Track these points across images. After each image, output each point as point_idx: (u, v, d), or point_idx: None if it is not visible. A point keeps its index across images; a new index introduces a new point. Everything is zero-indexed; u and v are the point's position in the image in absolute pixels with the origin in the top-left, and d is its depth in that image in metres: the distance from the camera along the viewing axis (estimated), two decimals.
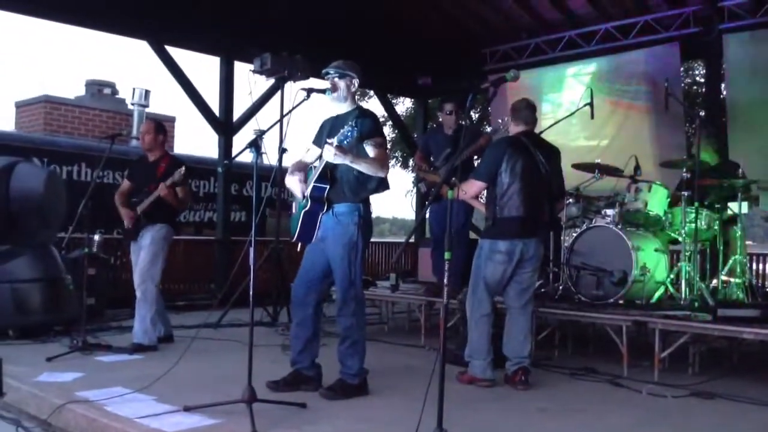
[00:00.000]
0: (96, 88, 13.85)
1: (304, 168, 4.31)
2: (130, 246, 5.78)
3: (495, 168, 4.53)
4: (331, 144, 3.87)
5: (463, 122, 5.95)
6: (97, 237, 7.56)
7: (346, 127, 3.90)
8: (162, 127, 5.95)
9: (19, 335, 5.66)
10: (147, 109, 13.72)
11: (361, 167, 4.01)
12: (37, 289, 1.72)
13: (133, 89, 13.62)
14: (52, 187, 1.73)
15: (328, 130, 4.24)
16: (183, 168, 5.46)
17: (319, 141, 4.23)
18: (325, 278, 4.24)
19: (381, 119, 4.71)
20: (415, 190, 6.65)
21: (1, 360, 1.87)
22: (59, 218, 1.95)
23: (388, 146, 16.97)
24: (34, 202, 1.69)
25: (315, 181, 4.09)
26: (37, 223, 1.75)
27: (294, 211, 4.31)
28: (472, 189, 4.73)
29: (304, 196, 4.18)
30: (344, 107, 4.26)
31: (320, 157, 4.12)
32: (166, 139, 5.93)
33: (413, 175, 6.87)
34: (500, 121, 5.85)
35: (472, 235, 7.40)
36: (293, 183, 4.24)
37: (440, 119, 6.55)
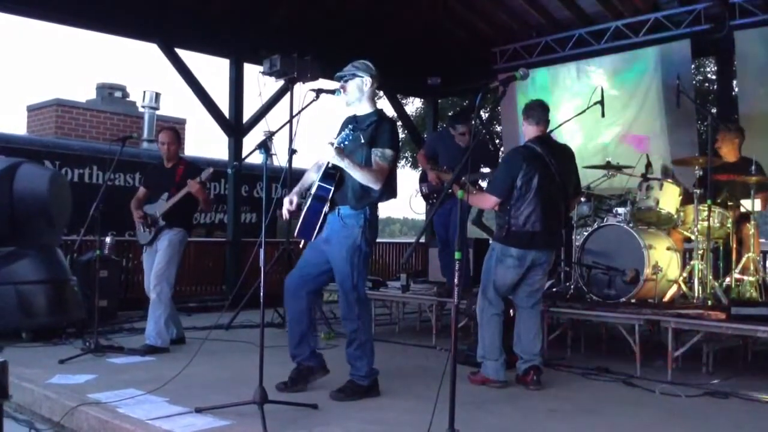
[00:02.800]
0: (107, 91, 13.93)
1: (306, 189, 4.30)
2: (143, 249, 5.82)
3: (510, 183, 4.46)
4: (331, 144, 3.86)
5: (474, 122, 5.92)
6: (108, 239, 7.60)
7: (346, 129, 3.88)
8: (179, 134, 6.06)
9: (32, 337, 5.70)
10: (157, 112, 13.79)
11: (355, 174, 3.96)
12: (42, 291, 1.72)
13: (144, 92, 13.71)
14: (56, 188, 1.73)
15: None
16: (211, 168, 5.54)
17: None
18: (320, 276, 4.24)
19: (398, 127, 4.67)
20: (417, 192, 6.60)
21: (6, 363, 1.86)
22: (64, 219, 1.95)
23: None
24: (38, 203, 1.69)
25: (320, 180, 4.07)
26: (41, 225, 1.75)
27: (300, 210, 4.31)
28: (486, 203, 4.70)
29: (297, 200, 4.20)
30: (363, 108, 4.21)
31: None
32: (180, 145, 6.00)
33: (420, 173, 6.80)
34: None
35: (480, 234, 7.38)
36: (285, 203, 4.22)
37: (452, 134, 6.46)
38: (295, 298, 4.24)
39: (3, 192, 1.62)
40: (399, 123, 15.07)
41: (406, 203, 6.71)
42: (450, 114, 8.63)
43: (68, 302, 1.96)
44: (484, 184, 6.22)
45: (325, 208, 4.08)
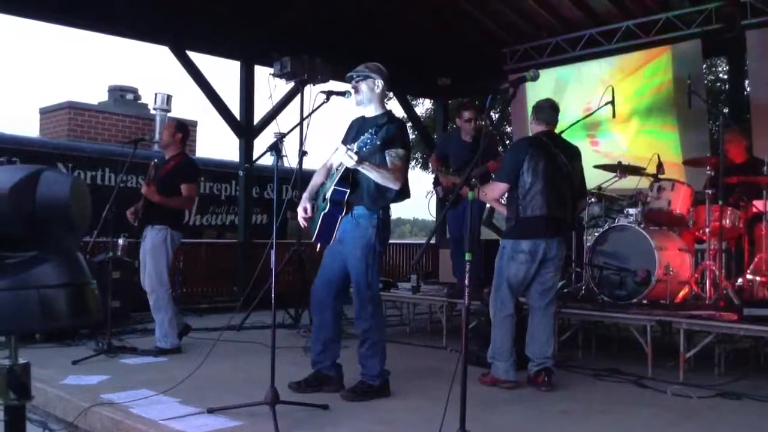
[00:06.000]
0: (119, 93, 14.00)
1: (314, 193, 4.32)
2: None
3: (517, 169, 4.51)
4: (350, 149, 3.87)
5: (483, 122, 5.93)
6: (121, 241, 7.64)
7: (366, 134, 3.90)
8: (183, 126, 5.92)
9: (46, 338, 5.75)
10: (169, 114, 13.85)
11: (373, 176, 4.00)
12: (64, 295, 1.76)
13: (156, 94, 13.76)
14: (77, 194, 1.77)
15: (355, 131, 4.25)
16: (153, 162, 5.50)
17: (346, 140, 4.25)
18: (345, 280, 4.26)
19: (407, 127, 4.69)
20: (432, 193, 6.66)
21: (29, 365, 1.90)
22: (85, 224, 1.99)
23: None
24: (60, 209, 1.73)
25: (336, 184, 4.09)
26: (62, 230, 1.78)
27: (314, 212, 4.32)
28: (495, 191, 4.72)
29: (321, 198, 4.18)
30: (371, 110, 4.26)
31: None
32: (185, 139, 5.87)
33: (432, 176, 6.85)
34: None
35: (490, 235, 7.38)
36: (299, 212, 4.25)
37: (458, 125, 6.52)
38: (322, 307, 4.27)
39: (26, 198, 1.65)
40: (409, 124, 15.11)
41: (419, 205, 6.74)
42: (458, 101, 8.57)
43: (89, 305, 2.00)
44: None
45: (342, 213, 4.10)
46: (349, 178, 4.08)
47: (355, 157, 3.85)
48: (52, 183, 1.82)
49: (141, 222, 5.62)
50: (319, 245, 4.33)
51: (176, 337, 5.59)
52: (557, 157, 4.55)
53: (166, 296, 5.55)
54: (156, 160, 5.82)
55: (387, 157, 4.07)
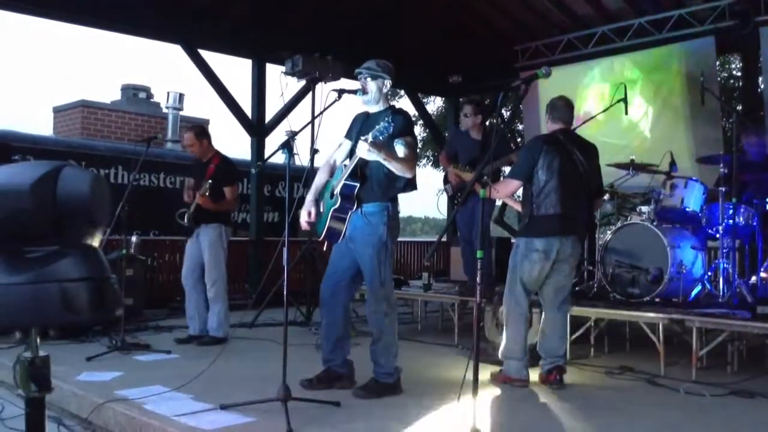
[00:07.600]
0: (131, 92, 14.09)
1: (319, 194, 4.35)
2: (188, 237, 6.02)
3: (531, 166, 4.49)
4: (365, 140, 3.88)
5: (495, 120, 5.92)
6: (134, 238, 7.69)
7: (382, 123, 3.89)
8: (202, 130, 6.09)
9: (59, 335, 5.80)
10: (181, 113, 13.92)
11: (392, 166, 4.01)
12: (85, 288, 1.79)
13: (168, 93, 13.84)
14: (98, 190, 1.80)
15: (359, 126, 4.26)
16: (209, 182, 5.64)
17: (351, 135, 4.26)
18: (353, 279, 4.27)
19: (412, 118, 4.71)
20: (443, 191, 6.67)
21: (49, 357, 1.95)
22: (105, 220, 2.03)
23: (419, 146, 16.96)
24: (80, 204, 1.75)
25: (346, 179, 4.10)
26: (84, 225, 1.81)
27: (322, 209, 4.33)
28: (508, 188, 4.69)
29: (319, 212, 4.23)
30: (376, 107, 4.27)
31: (351, 154, 4.14)
32: (210, 139, 6.08)
33: (443, 174, 6.85)
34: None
35: (501, 234, 7.38)
36: (302, 215, 4.28)
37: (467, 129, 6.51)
38: (330, 306, 4.28)
39: (47, 193, 1.68)
40: (420, 122, 15.11)
41: (430, 203, 6.77)
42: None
43: (109, 299, 2.04)
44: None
45: (352, 208, 4.11)
46: (358, 172, 4.10)
47: (377, 149, 3.86)
48: (72, 179, 1.84)
49: (192, 223, 5.87)
50: (326, 244, 4.34)
51: (228, 328, 5.83)
52: (572, 155, 4.52)
53: (224, 288, 5.87)
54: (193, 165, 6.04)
55: (398, 147, 4.08)
